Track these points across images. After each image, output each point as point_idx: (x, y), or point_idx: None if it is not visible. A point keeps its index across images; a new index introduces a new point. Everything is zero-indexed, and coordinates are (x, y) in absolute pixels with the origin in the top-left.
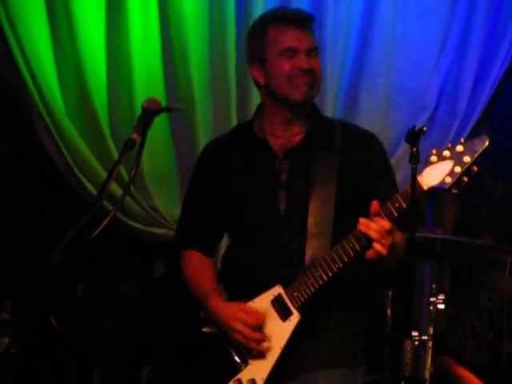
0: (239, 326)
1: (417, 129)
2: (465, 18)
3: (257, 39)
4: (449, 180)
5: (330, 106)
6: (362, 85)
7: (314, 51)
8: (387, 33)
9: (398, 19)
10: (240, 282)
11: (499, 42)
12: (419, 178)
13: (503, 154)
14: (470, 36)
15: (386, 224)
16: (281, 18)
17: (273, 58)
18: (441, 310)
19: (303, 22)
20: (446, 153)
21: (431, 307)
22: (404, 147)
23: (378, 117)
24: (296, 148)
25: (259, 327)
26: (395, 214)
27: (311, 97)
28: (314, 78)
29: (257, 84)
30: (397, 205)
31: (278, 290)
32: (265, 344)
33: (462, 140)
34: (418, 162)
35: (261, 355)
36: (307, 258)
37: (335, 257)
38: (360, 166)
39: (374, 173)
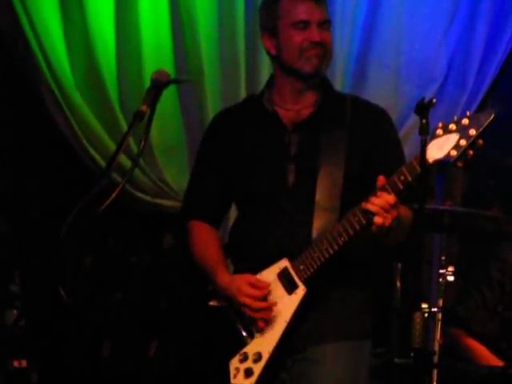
0: (245, 300)
1: (426, 100)
2: None
3: (269, 9)
4: (454, 153)
5: (339, 78)
6: (370, 57)
7: (325, 24)
8: (396, 5)
9: None
10: (247, 254)
11: (508, 14)
12: (425, 151)
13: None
14: (478, 8)
15: (389, 198)
16: None
17: (284, 30)
18: (450, 281)
19: None
20: (452, 126)
21: (441, 279)
22: (413, 119)
23: (386, 89)
24: (306, 121)
25: (265, 298)
26: (401, 186)
27: (321, 69)
28: (324, 51)
29: (269, 55)
30: (402, 178)
31: (284, 263)
32: (271, 313)
33: (468, 113)
34: (428, 134)
35: (267, 329)
36: (314, 232)
37: (341, 230)
38: (369, 140)
39: (382, 148)
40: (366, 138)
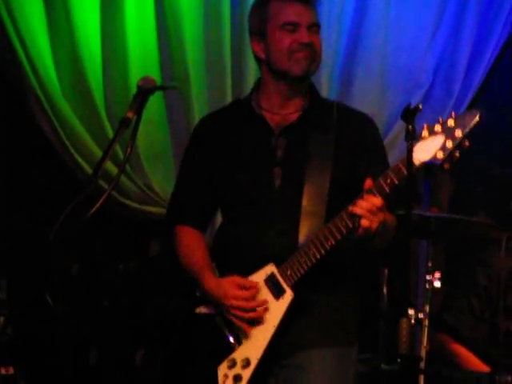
0: (234, 303)
1: (412, 106)
2: None
3: (258, 13)
4: (440, 155)
5: (325, 84)
6: (356, 63)
7: (314, 27)
8: (382, 11)
9: None
10: (233, 259)
11: (494, 20)
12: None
13: (498, 131)
14: (464, 14)
15: (376, 200)
16: None
17: (273, 32)
18: (437, 287)
19: None
20: (438, 128)
21: (427, 285)
22: (399, 125)
23: (373, 95)
24: (293, 125)
25: (253, 297)
26: (387, 189)
27: (310, 72)
28: (313, 53)
29: (257, 59)
30: (388, 180)
31: (270, 268)
32: (258, 321)
33: (453, 115)
34: (414, 140)
35: (255, 334)
36: (301, 237)
37: (328, 234)
38: (355, 146)
39: (368, 153)
40: (352, 144)
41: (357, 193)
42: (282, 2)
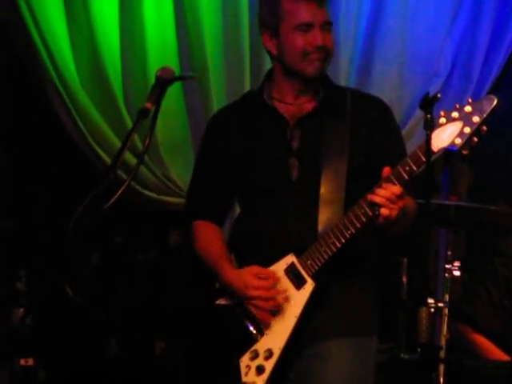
0: (253, 292)
1: (431, 95)
2: None
3: (270, 7)
4: (459, 141)
5: (344, 73)
6: (375, 52)
7: (327, 25)
8: (400, 0)
9: None
10: (251, 251)
11: None
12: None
13: None
14: (483, 2)
15: (395, 189)
16: None
17: (287, 32)
18: (456, 276)
19: None
20: (455, 114)
21: (447, 274)
22: (418, 114)
23: (391, 84)
24: (308, 116)
25: (273, 286)
26: (406, 177)
27: (323, 71)
28: (326, 54)
29: (269, 53)
30: (407, 168)
31: (291, 258)
32: (279, 311)
33: (470, 100)
34: (433, 129)
35: (277, 325)
36: (320, 226)
37: (347, 223)
38: (371, 132)
39: (385, 139)
40: (368, 130)
41: (375, 179)
42: (295, 1)
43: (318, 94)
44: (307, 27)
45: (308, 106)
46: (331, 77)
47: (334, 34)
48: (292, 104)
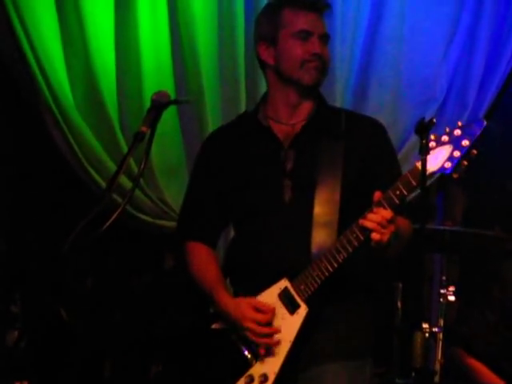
0: (250, 325)
1: (426, 120)
2: (473, 9)
3: (270, 18)
4: (448, 165)
5: (339, 97)
6: (370, 76)
7: (326, 38)
8: (396, 24)
9: (407, 10)
10: (245, 273)
11: (508, 33)
12: (419, 165)
13: None
14: (478, 28)
15: (386, 213)
16: (298, 1)
17: (285, 40)
18: (451, 301)
19: (320, 6)
20: (445, 138)
21: (441, 299)
22: (413, 139)
23: (387, 109)
24: (300, 134)
25: (269, 323)
26: (397, 201)
27: (320, 82)
28: (323, 65)
29: (262, 65)
30: (398, 192)
31: (284, 283)
32: (275, 338)
33: (460, 124)
34: (428, 154)
35: (271, 350)
36: (313, 248)
37: (340, 247)
38: (365, 152)
39: (379, 159)
40: (363, 150)
41: (368, 200)
42: (295, 9)
43: (312, 113)
44: (306, 35)
45: (301, 124)
46: (327, 101)
47: (330, 56)
48: (286, 124)
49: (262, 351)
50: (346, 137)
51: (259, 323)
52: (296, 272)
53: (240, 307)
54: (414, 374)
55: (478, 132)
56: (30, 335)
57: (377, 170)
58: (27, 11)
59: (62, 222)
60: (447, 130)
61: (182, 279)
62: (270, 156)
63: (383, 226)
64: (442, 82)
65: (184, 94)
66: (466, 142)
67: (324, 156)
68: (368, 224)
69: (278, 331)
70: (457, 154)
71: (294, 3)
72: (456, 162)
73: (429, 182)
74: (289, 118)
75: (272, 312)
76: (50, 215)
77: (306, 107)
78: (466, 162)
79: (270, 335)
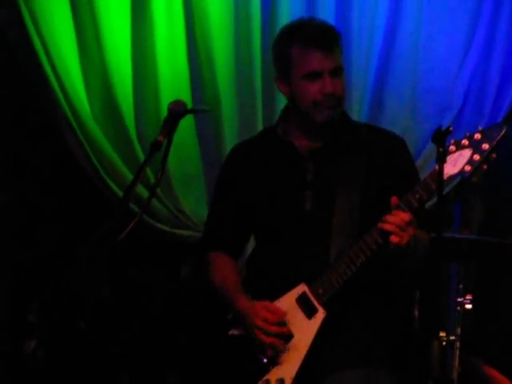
0: (260, 323)
1: (443, 129)
2: (490, 18)
3: (280, 53)
4: (468, 168)
5: (356, 106)
6: (387, 85)
7: (338, 71)
8: (413, 33)
9: (423, 20)
10: (265, 282)
11: None
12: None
13: None
14: (495, 36)
15: (405, 216)
16: (306, 38)
17: (297, 80)
18: (468, 310)
19: (329, 43)
20: (464, 141)
21: (458, 307)
22: (430, 147)
23: (403, 117)
24: (322, 148)
25: (281, 324)
26: (416, 204)
27: (335, 118)
28: (337, 101)
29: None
30: (417, 196)
31: (302, 288)
32: (289, 341)
33: (480, 128)
34: (445, 162)
35: (288, 355)
36: (332, 258)
37: (358, 251)
38: (386, 166)
39: (399, 173)
40: (382, 165)
41: (388, 210)
42: (303, 48)
43: (334, 130)
44: (316, 75)
45: (323, 139)
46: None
47: (344, 86)
48: (307, 139)
49: (278, 356)
50: (366, 150)
51: (269, 322)
52: (314, 278)
53: (254, 308)
54: (431, 383)
55: (498, 136)
56: (47, 345)
57: (397, 183)
58: (44, 22)
59: (80, 231)
60: (467, 134)
61: (198, 288)
62: (292, 169)
63: (402, 229)
64: (459, 91)
65: (201, 103)
66: (485, 146)
67: (344, 168)
68: (387, 226)
69: (287, 332)
70: (477, 157)
71: (302, 41)
72: (476, 166)
73: (448, 187)
74: (310, 135)
75: (283, 315)
76: (68, 224)
77: (325, 131)
78: (485, 167)
79: (280, 336)
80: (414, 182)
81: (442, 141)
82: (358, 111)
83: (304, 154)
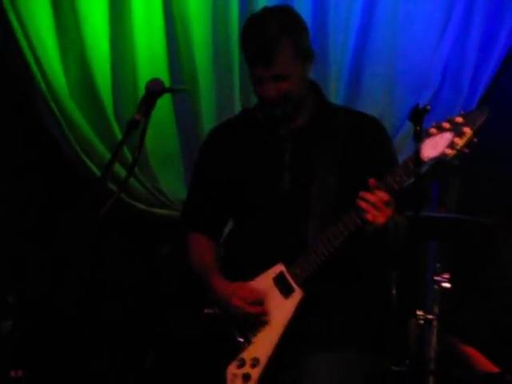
0: (238, 302)
1: (420, 107)
2: None
3: (243, 48)
4: (449, 151)
5: (333, 85)
6: (364, 64)
7: (280, 77)
8: (390, 11)
9: None
10: (243, 262)
11: (502, 19)
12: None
13: (508, 131)
14: (472, 14)
15: (383, 195)
16: (248, 51)
17: (251, 77)
18: (446, 288)
19: (268, 58)
20: (446, 125)
21: (436, 286)
22: (408, 126)
23: (381, 96)
24: (300, 131)
25: (258, 303)
26: (396, 187)
27: (287, 112)
28: (284, 98)
29: None
30: (397, 178)
31: (279, 267)
32: (266, 320)
33: (462, 112)
34: (422, 141)
35: (264, 334)
36: (310, 238)
37: (336, 232)
38: (363, 151)
39: (378, 158)
40: (360, 147)
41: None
42: (247, 58)
43: (311, 111)
44: (260, 79)
45: (301, 121)
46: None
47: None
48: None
49: (254, 335)
50: (344, 134)
51: (246, 301)
52: (292, 258)
53: (230, 287)
54: (408, 361)
55: (481, 120)
56: (25, 325)
57: (375, 167)
58: (22, 1)
59: (57, 210)
60: (449, 117)
61: (176, 266)
62: (270, 149)
63: (377, 207)
64: (437, 69)
65: (178, 82)
66: (467, 130)
67: (322, 151)
68: (362, 204)
69: (264, 312)
70: (457, 140)
71: (245, 52)
72: (457, 149)
73: (426, 168)
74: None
75: (261, 294)
76: (45, 203)
77: (305, 108)
78: (467, 150)
79: (256, 315)
80: (392, 166)
81: (419, 119)
82: (335, 90)
83: (282, 135)
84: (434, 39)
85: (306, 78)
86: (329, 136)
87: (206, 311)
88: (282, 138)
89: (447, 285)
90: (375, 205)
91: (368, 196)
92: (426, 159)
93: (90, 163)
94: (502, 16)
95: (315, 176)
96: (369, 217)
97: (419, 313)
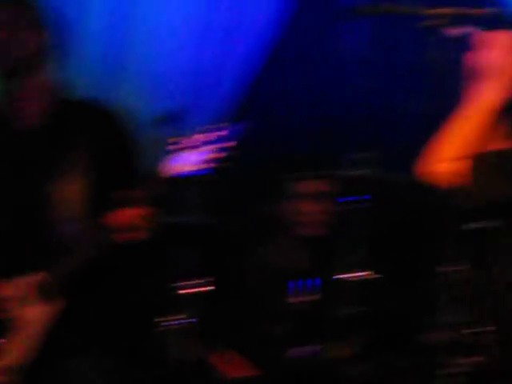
0: None
1: (169, 113)
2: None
3: None
4: (196, 167)
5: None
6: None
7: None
8: (128, 15)
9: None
10: None
11: (235, 34)
12: (168, 163)
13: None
14: (212, 16)
15: (130, 213)
16: None
17: None
18: (199, 292)
19: None
20: (201, 137)
21: (185, 291)
22: (153, 132)
23: (131, 100)
24: (35, 130)
25: (10, 309)
26: (143, 198)
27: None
28: None
29: None
30: (143, 191)
31: (36, 274)
32: (20, 327)
33: (216, 125)
34: (170, 147)
35: (17, 340)
36: (61, 242)
37: (89, 242)
38: (97, 146)
39: (112, 152)
40: (98, 144)
41: (111, 194)
42: None
43: (47, 107)
44: None
45: (36, 119)
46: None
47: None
48: (22, 116)
49: (3, 341)
50: (80, 130)
51: None
52: (44, 264)
53: None
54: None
55: (236, 133)
56: None
57: (114, 165)
58: None
59: None
60: (202, 130)
61: None
62: (7, 147)
63: (126, 227)
64: (183, 74)
65: None
66: (221, 143)
67: (60, 151)
68: (111, 223)
69: (15, 317)
70: (212, 155)
71: None
72: (212, 163)
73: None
74: (21, 111)
75: (12, 297)
76: None
77: (36, 99)
78: (221, 164)
79: (8, 321)
80: (129, 166)
81: (165, 125)
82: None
83: (19, 133)
84: (174, 44)
85: None
86: (66, 134)
87: None
88: (18, 137)
89: (200, 289)
90: (123, 225)
91: (116, 216)
92: (178, 171)
93: None
94: (234, 32)
95: (55, 179)
96: (119, 237)
97: (168, 318)
